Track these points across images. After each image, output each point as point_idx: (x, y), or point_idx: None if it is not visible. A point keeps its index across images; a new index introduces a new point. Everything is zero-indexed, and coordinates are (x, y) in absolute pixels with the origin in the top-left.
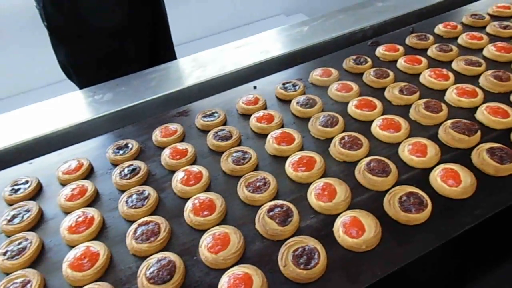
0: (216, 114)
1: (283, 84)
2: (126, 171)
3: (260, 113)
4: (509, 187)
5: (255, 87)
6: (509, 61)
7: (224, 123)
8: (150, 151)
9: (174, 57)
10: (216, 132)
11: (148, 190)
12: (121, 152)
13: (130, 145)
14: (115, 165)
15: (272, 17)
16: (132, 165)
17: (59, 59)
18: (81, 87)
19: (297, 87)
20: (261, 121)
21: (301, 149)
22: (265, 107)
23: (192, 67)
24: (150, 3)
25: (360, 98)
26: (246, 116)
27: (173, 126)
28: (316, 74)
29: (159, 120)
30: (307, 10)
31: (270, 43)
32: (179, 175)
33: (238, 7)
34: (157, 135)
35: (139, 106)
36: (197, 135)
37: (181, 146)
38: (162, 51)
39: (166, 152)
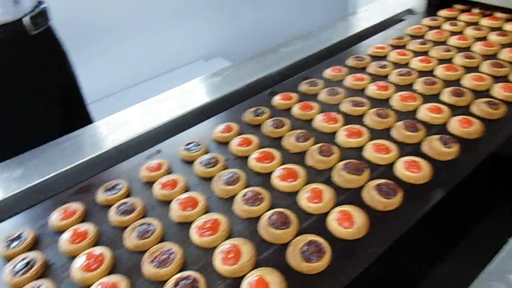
0: (118, 186)
1: (187, 144)
2: (19, 266)
3: (164, 179)
4: (397, 220)
5: (159, 151)
6: (388, 98)
7: (128, 194)
8: (48, 238)
9: (89, 120)
10: (119, 207)
11: (45, 285)
12: (13, 244)
13: (23, 235)
14: (8, 260)
15: (191, 63)
16: (26, 258)
17: None
18: None
19: (199, 147)
20: (164, 188)
21: (207, 211)
22: (169, 171)
23: (107, 130)
24: (55, 67)
25: (260, 150)
26: (151, 184)
27: (73, 206)
28: (218, 131)
29: (57, 201)
30: (225, 54)
31: (179, 99)
32: (79, 260)
33: (155, 57)
34: (53, 219)
35: (51, 180)
36: (100, 212)
37: (82, 227)
38: (74, 116)
39: (65, 237)
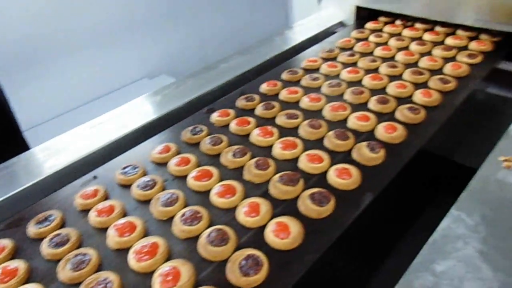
0: (51, 218)
1: (123, 168)
2: None
3: (100, 206)
4: (330, 226)
5: (95, 177)
6: (320, 109)
7: (62, 225)
8: None
9: (25, 147)
10: (52, 239)
11: None
12: None
13: None
14: None
15: (136, 82)
16: None
17: None
18: None
19: (137, 169)
20: (101, 215)
21: (145, 235)
22: (106, 197)
23: (43, 157)
24: None
25: (198, 169)
26: (87, 211)
27: (1, 243)
28: (155, 152)
29: None
30: (170, 71)
31: (118, 121)
32: None
33: (98, 77)
34: None
35: None
36: (32, 247)
37: (12, 264)
38: (8, 144)
39: None
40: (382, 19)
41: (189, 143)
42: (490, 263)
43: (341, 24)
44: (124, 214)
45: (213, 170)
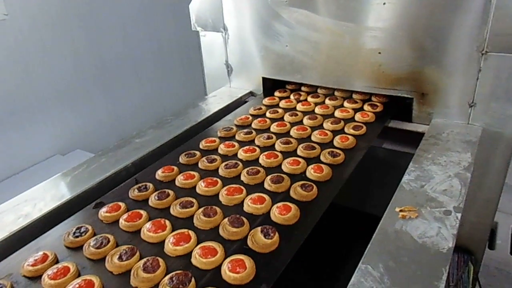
0: None
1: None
2: None
3: (54, 269)
4: None
5: None
6: (216, 193)
7: None
8: None
9: None
10: None
11: None
12: None
13: None
14: None
15: (48, 159)
16: None
17: None
18: None
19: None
20: (56, 278)
21: None
22: (56, 261)
23: None
24: None
25: (77, 280)
26: (37, 278)
27: None
28: (28, 264)
29: None
30: (85, 145)
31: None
32: None
33: (4, 156)
34: None
35: None
36: None
37: None
38: None
39: None
40: (288, 87)
41: (71, 248)
42: None
43: (251, 94)
44: (79, 274)
45: (94, 279)
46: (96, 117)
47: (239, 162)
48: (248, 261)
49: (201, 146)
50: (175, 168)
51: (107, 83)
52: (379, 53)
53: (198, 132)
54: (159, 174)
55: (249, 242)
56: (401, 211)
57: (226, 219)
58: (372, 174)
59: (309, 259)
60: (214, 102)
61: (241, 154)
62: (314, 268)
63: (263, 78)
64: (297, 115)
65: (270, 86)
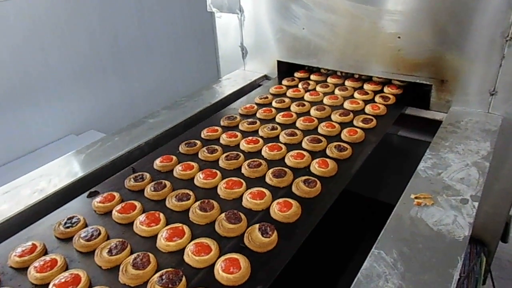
0: None
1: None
2: None
3: (41, 262)
4: None
5: None
6: (215, 186)
7: None
8: None
9: None
10: None
11: None
12: None
13: None
14: None
15: (62, 138)
16: None
17: None
18: None
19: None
20: (43, 271)
21: (90, 286)
22: (45, 252)
23: None
24: None
25: (65, 274)
26: (23, 269)
27: None
28: (16, 254)
29: None
30: (98, 126)
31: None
32: None
33: (20, 135)
34: None
35: None
36: None
37: None
38: None
39: None
40: (297, 75)
41: (61, 239)
42: None
43: (265, 77)
44: (67, 268)
45: (82, 274)
46: (110, 99)
47: (240, 154)
48: (243, 261)
49: (202, 135)
50: (174, 158)
51: (121, 64)
52: (399, 37)
53: (211, 114)
54: (157, 163)
55: (245, 240)
56: (416, 198)
57: (223, 215)
58: (386, 162)
59: (316, 248)
60: (228, 85)
61: (243, 145)
62: (322, 257)
63: (278, 62)
64: (304, 105)
65: (285, 69)
